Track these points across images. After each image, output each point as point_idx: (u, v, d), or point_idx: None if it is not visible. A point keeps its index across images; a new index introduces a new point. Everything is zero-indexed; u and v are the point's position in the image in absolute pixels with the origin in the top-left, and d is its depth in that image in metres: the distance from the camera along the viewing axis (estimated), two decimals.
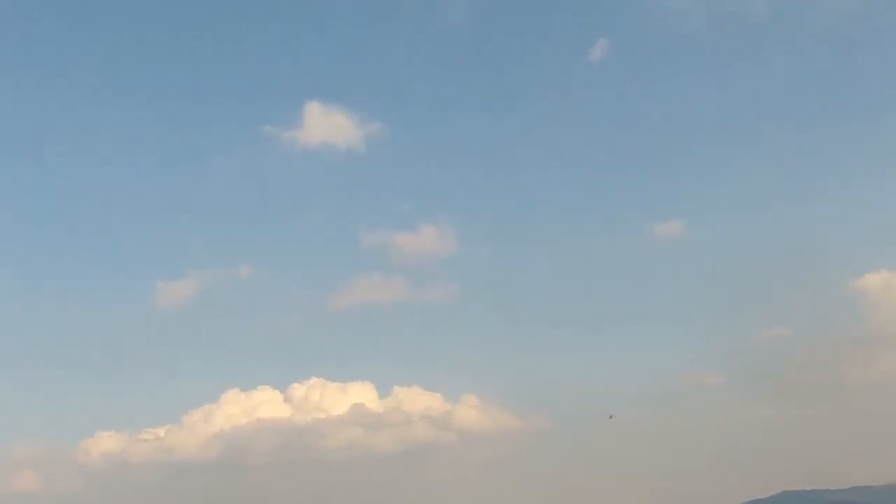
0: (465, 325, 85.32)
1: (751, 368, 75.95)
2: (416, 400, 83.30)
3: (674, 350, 79.00)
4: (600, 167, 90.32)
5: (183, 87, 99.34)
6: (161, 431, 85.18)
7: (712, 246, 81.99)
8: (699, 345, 77.73)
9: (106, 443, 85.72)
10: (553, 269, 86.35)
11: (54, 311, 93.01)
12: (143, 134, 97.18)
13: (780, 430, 68.81)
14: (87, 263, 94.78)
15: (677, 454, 69.74)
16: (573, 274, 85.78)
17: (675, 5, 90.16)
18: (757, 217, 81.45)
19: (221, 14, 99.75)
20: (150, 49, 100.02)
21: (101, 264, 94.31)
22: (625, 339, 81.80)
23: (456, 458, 79.20)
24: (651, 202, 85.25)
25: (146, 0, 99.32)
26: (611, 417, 70.47)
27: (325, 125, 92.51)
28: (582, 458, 71.16)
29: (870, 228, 78.32)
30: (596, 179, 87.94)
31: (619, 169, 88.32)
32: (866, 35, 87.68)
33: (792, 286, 75.83)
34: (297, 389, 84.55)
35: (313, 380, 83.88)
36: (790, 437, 68.36)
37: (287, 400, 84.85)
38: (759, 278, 77.48)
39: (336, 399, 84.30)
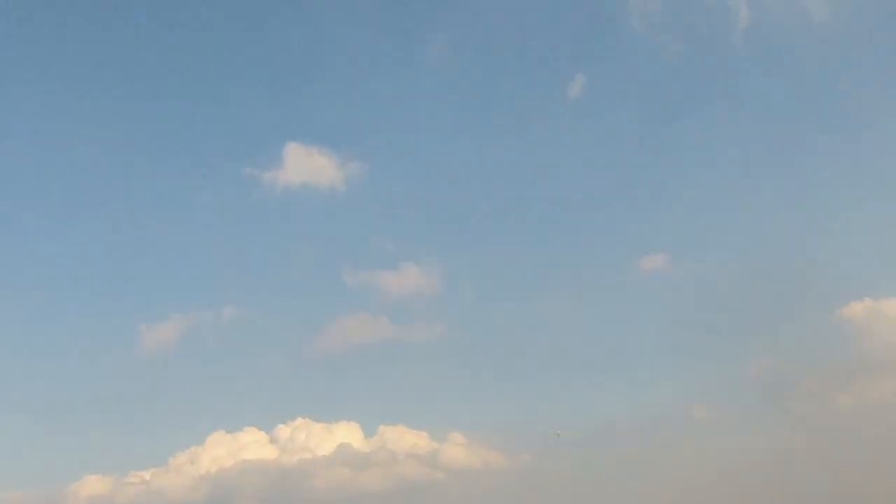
0: (450, 363, 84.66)
1: (740, 400, 75.37)
2: (402, 439, 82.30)
3: (661, 384, 78.61)
4: (583, 203, 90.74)
5: (161, 131, 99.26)
6: (147, 475, 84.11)
7: (697, 278, 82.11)
8: (687, 378, 77.20)
9: (93, 486, 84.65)
10: (538, 306, 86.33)
11: (37, 355, 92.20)
12: (122, 176, 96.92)
13: (771, 462, 68.23)
14: (69, 308, 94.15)
15: (665, 489, 68.84)
16: (558, 310, 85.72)
17: (653, 40, 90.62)
18: (740, 248, 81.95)
19: (199, 56, 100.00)
20: (127, 91, 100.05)
21: (84, 308, 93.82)
22: (612, 374, 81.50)
23: (444, 496, 78.13)
24: (635, 236, 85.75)
25: (125, 41, 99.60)
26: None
27: (306, 165, 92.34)
28: (570, 493, 70.26)
29: (852, 257, 78.42)
30: (579, 215, 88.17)
31: (602, 204, 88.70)
32: (847, 64, 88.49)
33: (779, 316, 75.66)
34: (283, 430, 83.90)
35: (299, 420, 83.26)
36: (781, 468, 67.76)
37: (273, 441, 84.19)
38: (745, 309, 77.42)
39: (322, 439, 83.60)
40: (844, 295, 76.25)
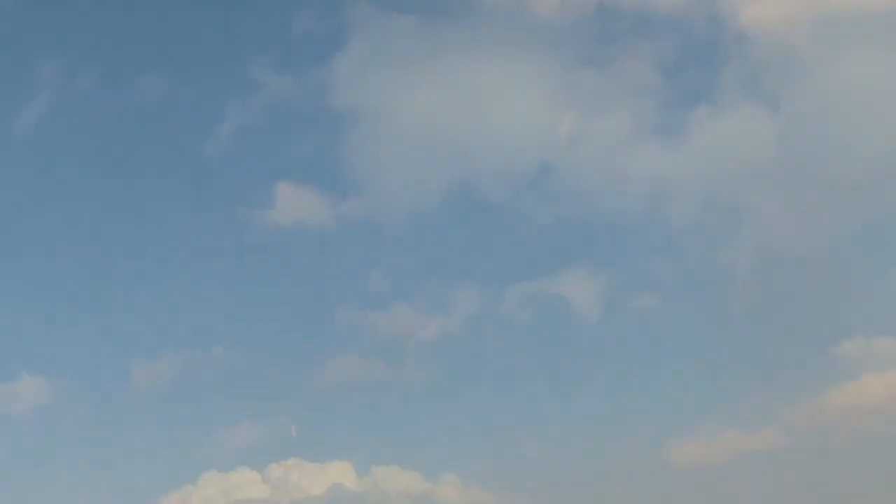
0: (443, 403, 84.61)
1: (730, 439, 75.21)
2: (396, 479, 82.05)
3: (654, 422, 78.59)
4: (570, 240, 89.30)
5: (153, 171, 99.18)
6: None
7: (688, 318, 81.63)
8: (679, 416, 77.42)
9: None
10: (529, 346, 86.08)
11: (24, 391, 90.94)
12: (114, 212, 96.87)
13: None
14: (60, 344, 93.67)
15: None
16: (551, 350, 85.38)
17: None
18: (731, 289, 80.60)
19: (190, 96, 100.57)
20: (120, 131, 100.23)
21: (75, 344, 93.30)
22: (604, 414, 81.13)
23: None
24: (625, 277, 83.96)
25: (121, 81, 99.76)
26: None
27: (297, 205, 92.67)
28: None
29: (842, 297, 78.36)
30: (565, 255, 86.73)
31: (590, 239, 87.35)
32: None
33: (772, 356, 75.89)
34: (276, 470, 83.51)
35: (291, 460, 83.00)
36: None
37: (265, 480, 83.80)
38: (736, 348, 77.63)
39: (315, 479, 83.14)
40: (835, 334, 76.81)
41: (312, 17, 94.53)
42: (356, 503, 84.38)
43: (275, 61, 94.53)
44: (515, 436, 77.43)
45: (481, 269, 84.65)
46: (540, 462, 73.00)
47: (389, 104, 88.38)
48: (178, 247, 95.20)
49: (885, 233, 78.71)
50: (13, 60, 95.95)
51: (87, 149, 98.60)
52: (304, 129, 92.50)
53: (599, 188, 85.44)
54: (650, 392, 77.64)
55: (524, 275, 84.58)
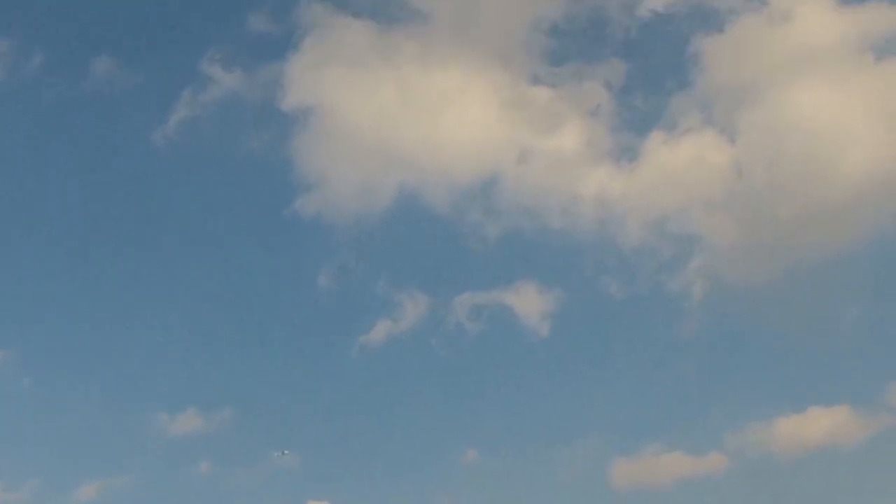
0: (385, 407, 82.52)
1: None
2: None
3: (598, 440, 77.47)
4: None
5: (101, 157, 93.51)
6: None
7: (637, 339, 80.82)
8: (624, 436, 76.94)
9: None
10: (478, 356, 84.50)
11: None
12: (64, 201, 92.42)
13: None
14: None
15: None
16: (498, 361, 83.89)
17: None
18: None
19: (140, 83, 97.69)
20: (68, 116, 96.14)
21: None
22: (549, 429, 79.49)
23: None
24: (574, 294, 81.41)
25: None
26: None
27: (248, 206, 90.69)
28: None
29: (792, 330, 78.65)
30: None
31: None
32: None
33: (719, 382, 76.09)
34: None
35: None
36: None
37: None
38: (684, 372, 77.93)
39: None
40: (786, 365, 76.25)
41: (267, 16, 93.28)
42: None
43: (228, 58, 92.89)
44: (455, 443, 75.36)
45: (429, 276, 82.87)
46: (477, 471, 71.08)
47: (340, 107, 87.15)
48: (133, 234, 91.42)
49: (837, 269, 79.28)
50: None
51: (34, 133, 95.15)
52: (253, 126, 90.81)
53: (548, 206, 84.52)
54: (595, 410, 76.36)
55: (472, 285, 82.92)
